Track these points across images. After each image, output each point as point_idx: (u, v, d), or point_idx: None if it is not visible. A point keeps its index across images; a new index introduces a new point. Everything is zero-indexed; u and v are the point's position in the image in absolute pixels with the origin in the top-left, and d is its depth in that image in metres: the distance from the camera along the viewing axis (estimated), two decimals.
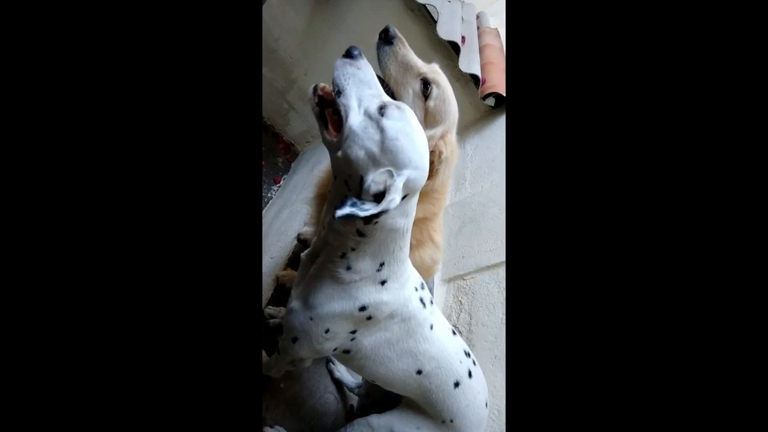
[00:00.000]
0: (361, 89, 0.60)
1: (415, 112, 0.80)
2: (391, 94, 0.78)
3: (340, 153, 0.58)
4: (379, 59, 0.81)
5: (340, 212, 0.54)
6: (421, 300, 0.72)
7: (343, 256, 0.64)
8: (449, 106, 0.84)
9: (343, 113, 0.59)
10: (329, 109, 0.62)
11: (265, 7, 1.57)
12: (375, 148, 0.57)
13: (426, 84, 0.82)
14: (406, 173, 0.57)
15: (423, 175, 0.60)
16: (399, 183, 0.56)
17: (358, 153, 0.57)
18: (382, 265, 0.65)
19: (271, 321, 1.11)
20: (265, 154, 1.72)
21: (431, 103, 0.82)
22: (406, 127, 0.58)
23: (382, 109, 0.58)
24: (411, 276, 0.72)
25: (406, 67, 0.82)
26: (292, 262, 1.31)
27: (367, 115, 0.58)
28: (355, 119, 0.58)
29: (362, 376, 0.81)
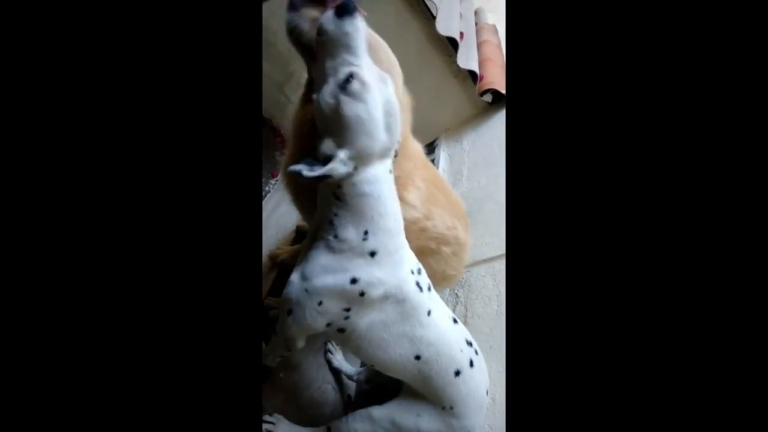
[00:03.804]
0: (337, 51, 0.60)
1: None
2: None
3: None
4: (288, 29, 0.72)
5: (291, 167, 0.60)
6: (418, 284, 0.72)
7: (331, 223, 0.66)
8: (377, 54, 0.76)
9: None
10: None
11: (264, 4, 1.57)
12: (329, 114, 0.61)
13: None
14: (352, 147, 0.61)
15: (377, 149, 0.62)
16: (341, 155, 0.60)
17: (317, 110, 0.62)
18: (366, 233, 0.66)
19: (271, 312, 1.12)
20: (262, 148, 1.72)
21: None
22: (358, 108, 0.60)
23: (345, 82, 0.59)
24: (407, 257, 0.73)
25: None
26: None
27: (334, 80, 0.61)
28: (321, 79, 0.62)
29: (361, 360, 0.81)
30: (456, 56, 1.56)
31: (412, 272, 0.72)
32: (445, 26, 1.52)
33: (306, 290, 0.67)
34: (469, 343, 0.79)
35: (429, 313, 0.73)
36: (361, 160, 0.62)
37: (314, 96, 0.63)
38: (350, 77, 0.59)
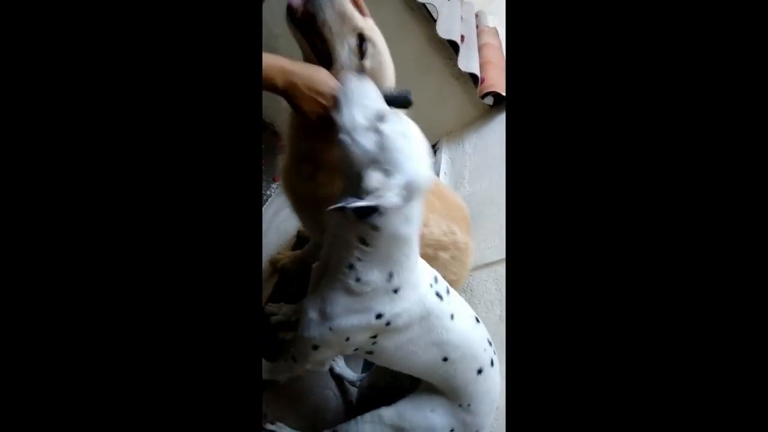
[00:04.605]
0: (357, 102, 0.63)
1: (350, 68, 0.75)
2: (326, 44, 0.75)
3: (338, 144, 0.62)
4: (313, 4, 0.73)
5: (331, 207, 0.56)
6: (437, 294, 0.72)
7: (351, 267, 0.64)
8: (386, 68, 0.81)
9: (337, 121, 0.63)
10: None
11: (265, 6, 1.57)
12: (373, 148, 0.58)
13: (362, 40, 0.76)
14: (404, 174, 0.58)
15: (425, 178, 0.61)
16: (395, 182, 0.57)
17: (355, 151, 0.59)
18: (391, 275, 0.65)
19: (272, 318, 1.11)
20: (264, 153, 1.72)
21: (367, 62, 0.77)
22: (404, 130, 0.59)
23: (380, 116, 0.60)
24: (423, 273, 0.72)
25: (343, 18, 0.74)
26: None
27: (365, 118, 0.60)
28: (350, 120, 0.61)
29: (392, 369, 0.82)
30: (457, 59, 1.56)
31: (431, 285, 0.72)
32: (446, 29, 1.52)
33: (330, 329, 0.67)
34: (490, 343, 0.80)
35: (452, 317, 0.74)
36: (411, 189, 0.59)
37: (345, 138, 0.61)
38: (382, 113, 0.61)
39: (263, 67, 0.64)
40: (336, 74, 0.73)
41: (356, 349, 0.73)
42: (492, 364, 0.79)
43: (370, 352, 0.73)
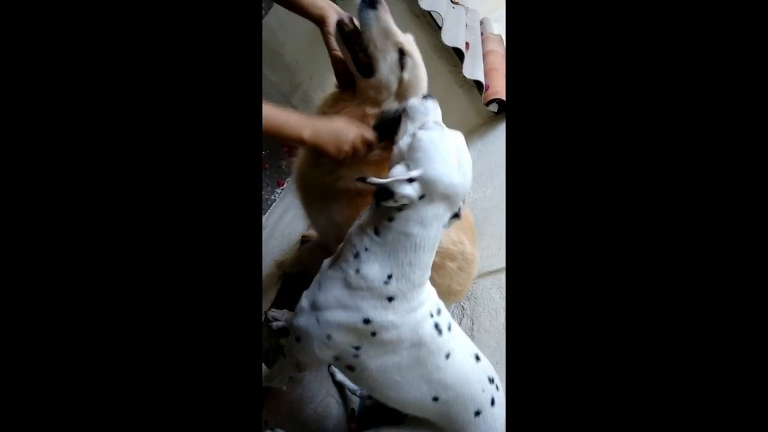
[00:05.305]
0: (418, 118, 0.70)
1: (390, 79, 0.83)
2: (368, 58, 0.82)
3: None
4: (361, 22, 0.81)
5: (357, 177, 0.65)
6: (437, 326, 0.70)
7: (357, 255, 0.66)
8: (421, 80, 0.89)
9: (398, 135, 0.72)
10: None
11: (271, 12, 1.59)
12: (405, 147, 0.67)
13: (402, 54, 0.83)
14: (423, 169, 0.62)
15: (446, 183, 0.63)
16: (413, 173, 0.62)
17: (394, 152, 0.69)
18: (389, 277, 0.65)
19: (274, 324, 1.11)
20: (269, 157, 1.73)
21: (406, 74, 0.84)
22: (434, 135, 0.65)
23: (423, 125, 0.68)
24: (426, 301, 0.71)
25: (387, 34, 0.82)
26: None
27: (413, 128, 0.69)
28: (403, 132, 0.71)
29: (377, 399, 0.79)
30: (462, 66, 1.56)
31: (431, 315, 0.71)
32: (451, 37, 1.53)
33: (317, 320, 0.67)
34: (491, 380, 0.77)
35: (448, 356, 0.71)
36: (428, 187, 0.62)
37: (394, 148, 0.70)
38: (427, 123, 0.68)
39: (289, 124, 0.71)
40: (376, 85, 0.82)
41: (337, 359, 0.71)
42: (492, 403, 0.75)
43: (351, 368, 0.71)
